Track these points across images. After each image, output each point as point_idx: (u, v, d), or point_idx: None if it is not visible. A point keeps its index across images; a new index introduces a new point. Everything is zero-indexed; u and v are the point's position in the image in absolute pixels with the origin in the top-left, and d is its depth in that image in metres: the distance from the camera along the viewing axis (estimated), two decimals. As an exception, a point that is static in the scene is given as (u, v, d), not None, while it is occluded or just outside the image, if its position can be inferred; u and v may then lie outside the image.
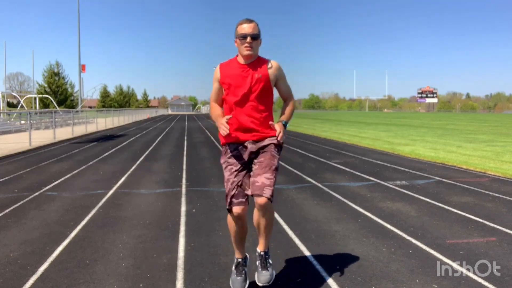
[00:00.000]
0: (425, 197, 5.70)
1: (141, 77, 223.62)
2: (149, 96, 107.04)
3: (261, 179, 2.62)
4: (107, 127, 25.98)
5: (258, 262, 2.83)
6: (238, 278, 2.78)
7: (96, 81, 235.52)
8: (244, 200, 2.70)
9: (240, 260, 2.86)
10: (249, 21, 2.71)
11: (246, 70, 2.72)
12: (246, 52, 2.68)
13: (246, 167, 2.76)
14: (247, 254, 2.95)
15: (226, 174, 2.76)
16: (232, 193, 2.69)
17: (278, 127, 2.73)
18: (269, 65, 2.77)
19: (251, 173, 2.72)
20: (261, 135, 2.74)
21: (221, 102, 2.89)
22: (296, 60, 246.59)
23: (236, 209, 2.68)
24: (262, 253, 2.83)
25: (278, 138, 2.69)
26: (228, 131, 2.57)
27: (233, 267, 2.87)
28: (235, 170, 2.73)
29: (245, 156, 2.74)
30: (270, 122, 2.73)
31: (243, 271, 2.83)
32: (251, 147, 2.73)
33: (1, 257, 3.48)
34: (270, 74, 2.75)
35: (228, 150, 2.79)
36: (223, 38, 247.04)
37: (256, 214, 2.71)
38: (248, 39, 2.66)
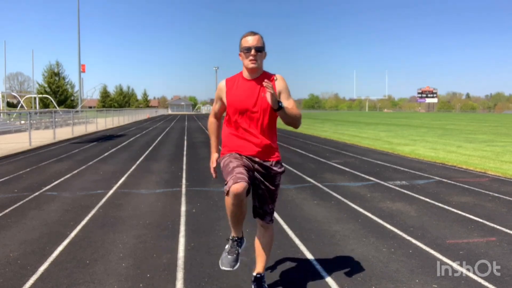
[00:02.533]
0: (425, 197, 5.70)
1: (141, 77, 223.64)
2: (149, 96, 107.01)
3: (264, 208, 2.77)
4: (107, 127, 25.98)
5: (253, 286, 2.84)
6: (229, 256, 2.68)
7: (96, 81, 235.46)
8: (247, 178, 2.48)
9: (236, 237, 2.74)
10: (253, 33, 2.67)
11: (252, 87, 2.66)
12: (251, 65, 2.63)
13: (252, 166, 2.65)
14: (244, 236, 2.83)
15: (231, 164, 2.55)
16: (238, 170, 2.48)
17: (273, 91, 2.50)
18: (275, 79, 2.70)
19: (255, 198, 2.76)
20: (266, 154, 2.68)
21: (221, 116, 2.91)
22: (296, 60, 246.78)
23: (236, 186, 2.41)
24: (258, 276, 2.83)
25: (265, 84, 2.45)
26: (214, 176, 2.78)
27: (227, 246, 2.76)
28: (241, 161, 2.60)
29: (251, 164, 2.65)
30: (265, 80, 2.49)
31: (236, 251, 2.71)
32: (257, 166, 2.68)
33: (1, 257, 3.48)
34: (276, 88, 2.66)
35: (231, 152, 2.69)
36: (223, 38, 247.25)
37: (258, 231, 2.87)
38: (253, 51, 2.61)
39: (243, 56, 2.66)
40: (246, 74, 2.70)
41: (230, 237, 2.79)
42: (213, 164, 2.86)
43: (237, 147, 2.69)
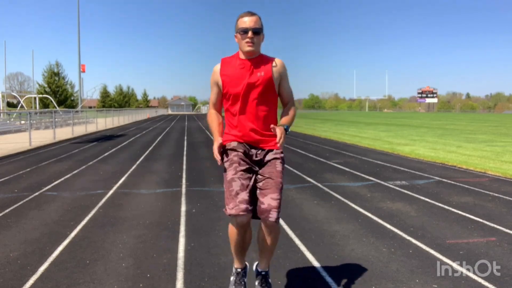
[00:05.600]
0: (425, 197, 5.70)
1: (141, 77, 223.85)
2: (149, 96, 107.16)
3: (267, 200, 2.41)
4: (107, 127, 25.98)
5: (257, 282, 2.66)
6: None
7: (96, 81, 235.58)
8: (251, 208, 2.39)
9: (239, 270, 2.63)
10: (251, 14, 2.47)
11: (248, 68, 2.48)
12: (247, 48, 2.44)
13: (252, 170, 2.50)
14: (246, 263, 2.73)
15: (230, 173, 2.44)
16: (240, 197, 2.35)
17: (279, 131, 2.40)
18: (274, 64, 2.53)
19: (257, 191, 2.48)
20: (264, 140, 2.53)
21: (221, 106, 2.68)
22: (296, 60, 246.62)
23: (241, 218, 2.36)
24: (263, 272, 2.64)
25: (278, 144, 2.38)
26: (220, 163, 2.45)
27: (232, 278, 2.64)
28: (241, 170, 2.44)
29: (250, 160, 2.52)
30: (272, 126, 2.44)
31: (243, 282, 2.61)
32: (255, 155, 2.52)
33: (1, 257, 3.48)
34: (274, 72, 2.51)
35: (229, 147, 2.54)
36: (223, 38, 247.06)
37: (261, 231, 2.54)
38: (250, 33, 2.42)
39: (239, 38, 2.47)
40: (242, 55, 2.52)
41: (234, 269, 2.63)
42: (218, 149, 2.49)
43: (234, 136, 2.53)
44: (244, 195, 2.36)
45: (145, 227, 4.32)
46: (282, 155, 2.56)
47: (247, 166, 2.48)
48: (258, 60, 2.51)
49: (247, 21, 2.44)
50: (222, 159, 2.52)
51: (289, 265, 3.30)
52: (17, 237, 4.02)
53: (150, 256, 3.49)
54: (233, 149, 2.52)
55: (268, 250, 2.57)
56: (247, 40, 2.43)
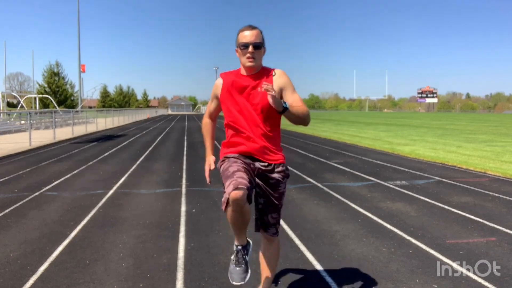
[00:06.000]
0: (425, 197, 5.70)
1: (141, 77, 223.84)
2: (149, 96, 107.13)
3: (267, 218, 2.51)
4: (107, 127, 25.97)
5: None
6: (237, 268, 2.36)
7: (96, 81, 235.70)
8: (247, 183, 2.24)
9: (240, 247, 2.42)
10: (252, 28, 2.41)
11: (249, 84, 2.42)
12: (248, 64, 2.38)
13: (253, 174, 2.41)
14: (249, 240, 2.51)
15: (232, 168, 2.31)
16: (239, 174, 2.23)
17: (272, 91, 2.24)
18: (273, 75, 2.45)
19: (257, 207, 2.51)
20: (268, 154, 2.44)
21: (216, 116, 2.67)
22: (296, 60, 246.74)
23: (237, 192, 2.16)
24: None
25: (264, 83, 2.24)
26: (208, 181, 2.44)
27: (232, 256, 2.46)
28: (243, 165, 2.34)
29: (252, 167, 2.42)
30: (264, 83, 2.29)
31: (244, 261, 2.41)
32: (258, 168, 2.43)
33: (1, 257, 3.48)
34: (275, 86, 2.41)
35: (228, 155, 2.45)
36: (223, 38, 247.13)
37: (262, 245, 2.61)
38: (250, 48, 2.36)
39: (240, 53, 2.42)
40: (243, 71, 2.47)
41: (234, 246, 2.46)
42: (211, 166, 2.50)
43: (236, 151, 2.45)
44: (242, 174, 2.25)
45: (145, 227, 4.32)
46: (287, 172, 2.50)
47: (249, 164, 2.39)
48: (259, 75, 2.45)
49: (247, 36, 2.38)
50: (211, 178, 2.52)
51: (289, 265, 3.30)
52: (17, 237, 4.02)
53: (150, 256, 3.49)
54: (232, 156, 2.44)
55: (268, 265, 2.58)
56: (248, 55, 2.38)
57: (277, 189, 2.46)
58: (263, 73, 2.46)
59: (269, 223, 2.51)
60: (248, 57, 2.38)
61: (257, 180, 2.45)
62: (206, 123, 2.69)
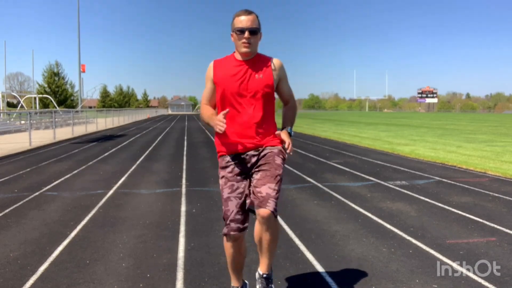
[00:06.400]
0: (425, 197, 5.70)
1: (141, 77, 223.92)
2: (149, 96, 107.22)
3: (265, 189, 2.30)
4: (107, 127, 25.98)
5: (258, 287, 2.54)
6: None
7: (96, 81, 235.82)
8: (243, 226, 2.39)
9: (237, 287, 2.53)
10: (248, 12, 2.35)
11: (245, 69, 2.39)
12: (244, 49, 2.34)
13: (247, 177, 2.46)
14: (246, 281, 2.65)
15: (226, 191, 2.41)
16: (233, 217, 2.36)
17: (285, 137, 2.41)
18: (272, 66, 2.44)
19: (252, 182, 2.40)
20: (262, 144, 2.45)
21: (214, 104, 2.55)
22: (296, 60, 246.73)
23: (235, 235, 2.37)
24: (264, 275, 2.49)
25: (288, 151, 2.36)
26: (224, 128, 2.23)
27: None
28: (237, 189, 2.40)
29: (246, 169, 2.46)
30: (277, 132, 2.42)
31: None
32: (252, 159, 2.44)
33: (1, 257, 3.48)
34: (274, 74, 2.43)
35: (224, 162, 2.49)
36: (223, 38, 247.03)
37: (258, 228, 2.38)
38: (246, 34, 2.31)
39: (235, 38, 2.36)
40: (238, 56, 2.43)
41: None
42: (220, 119, 2.28)
43: (229, 151, 2.46)
44: (239, 216, 2.39)
45: (145, 227, 4.32)
46: (280, 147, 2.49)
47: (243, 180, 2.46)
48: (255, 61, 2.42)
49: (243, 20, 2.33)
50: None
51: (289, 265, 3.30)
52: (17, 237, 4.02)
53: (150, 256, 3.49)
54: (227, 165, 2.47)
55: (267, 250, 2.42)
56: (244, 40, 2.33)
57: (272, 158, 2.41)
58: (259, 59, 2.44)
59: (268, 194, 2.28)
60: (244, 43, 2.34)
61: (253, 164, 2.47)
62: (204, 106, 2.56)
